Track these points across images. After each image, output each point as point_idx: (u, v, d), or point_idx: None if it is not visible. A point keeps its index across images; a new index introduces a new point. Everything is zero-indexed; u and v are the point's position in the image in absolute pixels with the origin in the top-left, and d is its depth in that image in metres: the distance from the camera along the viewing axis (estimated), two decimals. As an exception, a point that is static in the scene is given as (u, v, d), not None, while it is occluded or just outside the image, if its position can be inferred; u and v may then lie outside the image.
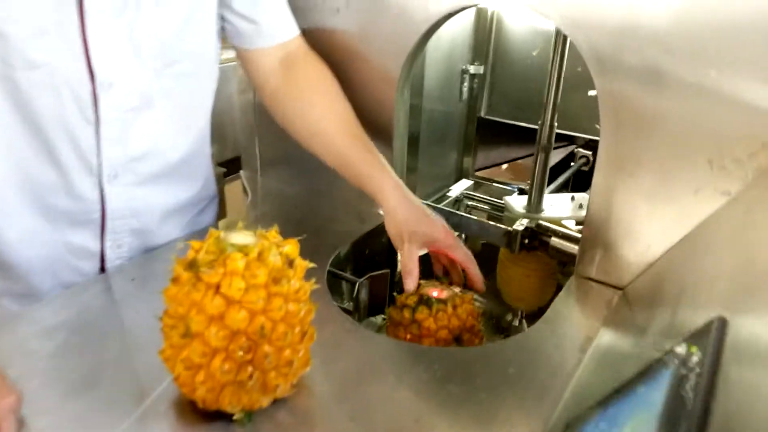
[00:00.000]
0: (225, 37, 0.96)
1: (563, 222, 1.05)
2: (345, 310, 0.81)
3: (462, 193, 1.44)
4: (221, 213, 1.20)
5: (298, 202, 1.16)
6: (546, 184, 1.11)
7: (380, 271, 0.95)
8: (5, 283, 0.88)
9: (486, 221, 1.08)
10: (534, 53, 1.55)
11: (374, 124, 1.01)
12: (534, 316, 1.21)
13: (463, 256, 0.91)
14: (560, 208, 1.18)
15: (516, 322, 1.24)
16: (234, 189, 1.50)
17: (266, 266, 0.56)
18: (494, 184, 1.70)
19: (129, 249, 0.93)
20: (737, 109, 0.67)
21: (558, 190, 1.30)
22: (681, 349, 0.43)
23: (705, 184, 0.71)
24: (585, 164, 1.56)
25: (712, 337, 0.40)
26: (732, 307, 0.44)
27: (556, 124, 1.05)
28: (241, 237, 0.58)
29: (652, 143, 0.74)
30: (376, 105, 1.01)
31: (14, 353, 0.68)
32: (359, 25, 0.97)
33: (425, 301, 0.84)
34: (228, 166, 1.60)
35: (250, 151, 1.26)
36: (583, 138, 1.55)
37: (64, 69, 0.76)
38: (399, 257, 0.91)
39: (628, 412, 0.43)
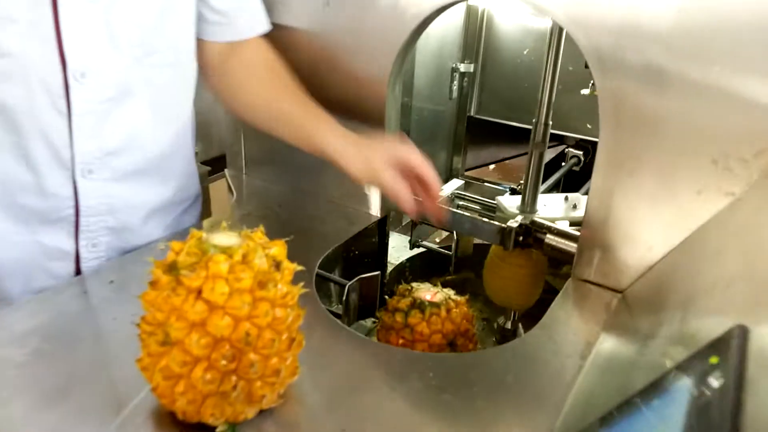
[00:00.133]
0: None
1: (557, 223, 1.03)
2: (334, 314, 0.77)
3: (453, 193, 1.42)
4: (205, 213, 1.17)
5: (285, 202, 1.12)
6: (540, 184, 1.08)
7: (370, 273, 0.91)
8: (-28, 288, 0.84)
9: (479, 218, 1.05)
10: (525, 52, 1.53)
11: (364, 122, 0.98)
12: (525, 317, 1.19)
13: (432, 172, 0.83)
14: (554, 208, 1.16)
15: (508, 325, 1.21)
16: (218, 188, 1.46)
17: (251, 269, 0.52)
18: (485, 183, 1.68)
19: (106, 249, 0.89)
20: (742, 108, 0.65)
21: (549, 190, 1.28)
22: (699, 361, 0.40)
23: (708, 184, 0.69)
24: (576, 164, 1.54)
25: (734, 347, 0.37)
26: (751, 315, 0.42)
27: (550, 122, 1.03)
28: (225, 238, 0.55)
29: (653, 143, 0.72)
30: (366, 102, 0.97)
31: (-18, 361, 0.64)
32: (349, 19, 0.93)
33: (418, 304, 0.81)
34: (212, 165, 1.56)
35: (235, 149, 1.22)
36: (574, 138, 1.54)
37: (35, 57, 0.72)
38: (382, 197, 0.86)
39: (642, 427, 0.40)
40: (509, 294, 1.09)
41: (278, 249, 0.56)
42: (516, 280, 1.04)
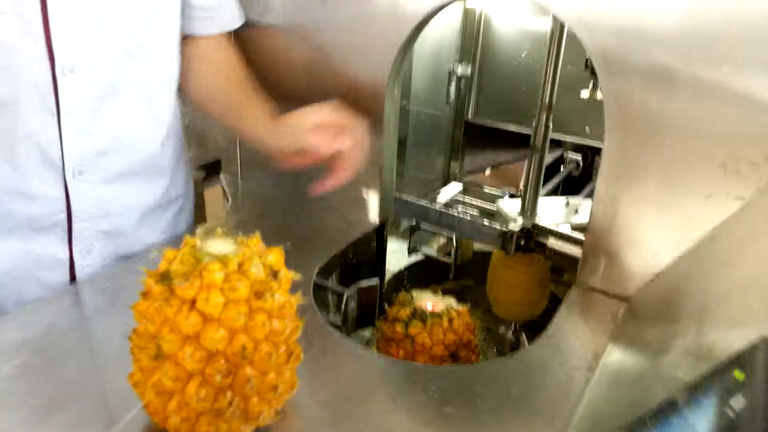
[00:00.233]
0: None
1: (559, 227, 1.01)
2: (331, 324, 0.75)
3: (451, 198, 1.40)
4: (200, 219, 1.14)
5: (281, 207, 1.10)
6: (540, 188, 1.06)
7: (369, 281, 0.89)
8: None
9: (480, 221, 1.03)
10: (523, 54, 1.52)
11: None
12: (528, 326, 1.17)
13: (350, 123, 0.82)
14: (555, 213, 1.14)
15: (510, 334, 1.19)
16: (213, 193, 1.43)
17: (248, 278, 0.50)
18: (484, 188, 1.66)
19: (101, 255, 0.86)
20: (751, 109, 0.64)
21: (548, 194, 1.27)
22: (720, 377, 0.38)
23: (717, 188, 0.67)
24: (575, 168, 1.53)
25: (760, 362, 0.35)
26: (774, 326, 0.40)
27: (551, 125, 1.01)
28: (220, 245, 0.53)
29: (660, 145, 0.70)
30: (364, 104, 0.95)
31: (-32, 375, 0.62)
32: (346, 18, 0.91)
33: (419, 314, 0.79)
34: (207, 170, 1.54)
35: (231, 154, 1.20)
36: (572, 141, 1.52)
37: (23, 51, 0.70)
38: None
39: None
40: (513, 303, 1.07)
41: (275, 257, 0.54)
42: (521, 291, 1.02)
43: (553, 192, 1.43)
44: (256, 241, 0.55)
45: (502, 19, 1.49)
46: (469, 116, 1.64)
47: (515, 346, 1.18)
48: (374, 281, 0.90)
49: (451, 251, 1.27)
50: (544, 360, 0.68)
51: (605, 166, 0.75)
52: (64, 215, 0.81)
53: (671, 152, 0.69)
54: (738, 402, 0.34)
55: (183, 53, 0.89)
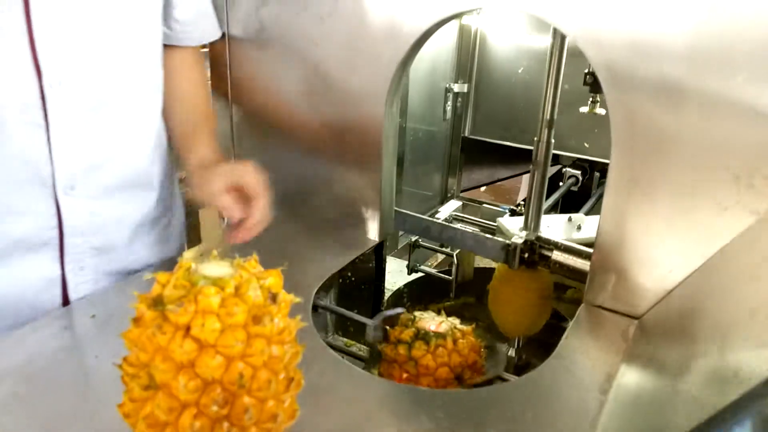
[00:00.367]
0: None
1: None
2: (331, 346, 0.72)
3: (451, 215, 1.38)
4: (195, 240, 1.11)
5: (278, 226, 1.07)
6: (543, 204, 1.04)
7: (395, 310, 0.85)
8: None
9: (483, 234, 1.01)
10: (519, 71, 1.51)
11: (360, 141, 0.94)
12: (529, 343, 1.14)
13: (260, 192, 0.79)
14: (557, 229, 1.12)
15: (512, 353, 1.16)
16: (209, 213, 1.41)
17: (245, 303, 0.48)
18: (483, 205, 1.65)
19: (94, 272, 0.84)
20: (766, 122, 0.62)
21: (547, 211, 1.25)
22: (754, 402, 0.35)
23: (730, 202, 0.65)
24: (574, 184, 1.51)
25: (800, 387, 0.33)
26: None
27: (553, 141, 0.99)
28: (216, 268, 0.50)
29: (670, 159, 0.68)
30: (363, 121, 0.93)
31: (-51, 406, 0.59)
32: (345, 35, 0.90)
33: (422, 335, 0.76)
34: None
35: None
36: (570, 157, 1.51)
37: (7, 64, 0.68)
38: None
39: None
40: (515, 319, 1.04)
41: (274, 279, 0.52)
42: (524, 306, 1.00)
43: (553, 208, 1.41)
44: (253, 263, 0.52)
45: (498, 36, 1.49)
46: (467, 132, 1.63)
47: (517, 363, 1.16)
48: (400, 310, 0.86)
49: (449, 269, 1.24)
50: (556, 382, 0.66)
51: (612, 180, 0.73)
52: (55, 232, 0.79)
53: (682, 166, 0.67)
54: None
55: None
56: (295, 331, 0.52)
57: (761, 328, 0.45)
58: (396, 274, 1.31)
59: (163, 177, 0.93)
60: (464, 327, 0.80)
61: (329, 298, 0.97)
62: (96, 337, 0.72)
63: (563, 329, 1.20)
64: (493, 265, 1.20)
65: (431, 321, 0.79)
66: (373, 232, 1.02)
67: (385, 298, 1.19)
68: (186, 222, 1.04)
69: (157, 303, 0.47)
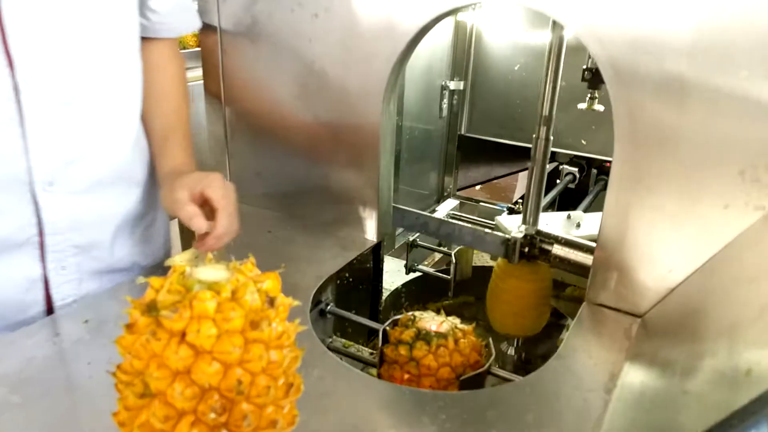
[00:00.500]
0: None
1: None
2: (328, 347, 0.71)
3: (448, 214, 1.37)
4: (188, 244, 1.10)
5: (275, 228, 1.06)
6: (541, 202, 1.03)
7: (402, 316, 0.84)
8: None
9: (482, 229, 1.00)
10: (516, 68, 1.50)
11: (357, 140, 0.93)
12: (528, 342, 1.13)
13: (224, 205, 0.76)
14: (556, 227, 1.11)
15: (511, 351, 1.16)
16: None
17: (242, 307, 0.46)
18: (481, 203, 1.64)
19: (76, 271, 0.83)
20: (771, 114, 0.61)
21: (544, 208, 1.24)
22: (770, 403, 0.34)
23: (735, 198, 0.64)
24: (571, 181, 1.51)
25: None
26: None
27: (551, 138, 0.98)
28: (211, 272, 0.49)
29: (674, 155, 0.67)
30: (359, 119, 0.92)
31: (-63, 416, 0.58)
32: (340, 32, 0.88)
33: (423, 336, 0.75)
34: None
35: (221, 171, 1.16)
36: (567, 154, 1.50)
37: None
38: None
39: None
40: (517, 319, 1.03)
41: (272, 282, 0.50)
42: (524, 303, 0.99)
43: (550, 206, 1.40)
44: (250, 266, 0.51)
45: (494, 33, 1.48)
46: (463, 130, 1.62)
47: (517, 362, 1.15)
48: (410, 315, 0.85)
49: (446, 268, 1.23)
50: (558, 382, 0.65)
51: (615, 177, 0.72)
52: (35, 230, 0.77)
53: (686, 161, 0.66)
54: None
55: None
56: (294, 335, 0.50)
57: (771, 326, 0.44)
58: (394, 274, 1.30)
59: (145, 173, 0.91)
60: (465, 326, 0.79)
61: (326, 298, 0.96)
62: (89, 342, 0.71)
63: (562, 327, 1.20)
64: (492, 263, 1.19)
65: (432, 321, 0.78)
66: (370, 232, 1.01)
67: (383, 298, 1.18)
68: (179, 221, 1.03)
69: (151, 309, 0.46)
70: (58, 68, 0.72)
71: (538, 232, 0.96)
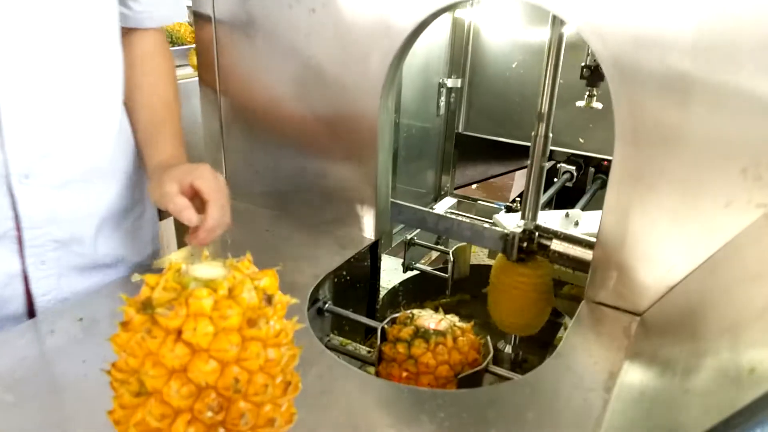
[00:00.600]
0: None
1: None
2: (328, 347, 0.71)
3: (446, 212, 1.36)
4: (183, 242, 1.09)
5: (272, 226, 1.05)
6: (540, 200, 1.03)
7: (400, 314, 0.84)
8: None
9: (480, 225, 0.99)
10: (513, 65, 1.50)
11: (355, 136, 0.92)
12: (526, 340, 1.13)
13: (215, 197, 0.76)
14: (554, 225, 1.10)
15: (509, 349, 1.15)
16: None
17: (239, 305, 0.46)
18: (478, 202, 1.63)
19: (56, 266, 0.81)
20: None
21: (542, 207, 1.24)
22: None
23: (737, 196, 0.64)
24: (569, 180, 1.50)
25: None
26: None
27: (550, 135, 0.98)
28: (208, 269, 0.48)
29: (675, 152, 0.67)
30: (357, 114, 0.91)
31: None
32: (337, 27, 0.87)
33: (421, 333, 0.74)
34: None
35: (216, 169, 1.15)
36: (564, 152, 1.50)
37: None
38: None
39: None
40: (516, 316, 1.03)
41: (269, 280, 0.50)
42: (524, 299, 0.98)
43: (548, 204, 1.40)
44: (247, 263, 0.50)
45: (492, 30, 1.47)
46: (460, 128, 1.61)
47: (515, 361, 1.14)
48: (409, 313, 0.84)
49: (443, 266, 1.23)
50: (558, 381, 0.64)
51: (615, 175, 0.71)
52: (12, 224, 0.76)
53: (687, 159, 0.66)
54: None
55: (124, 53, 0.86)
56: (292, 333, 0.50)
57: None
58: (391, 272, 1.29)
59: (129, 166, 0.89)
60: (463, 324, 0.79)
61: (324, 296, 0.95)
62: (83, 341, 0.70)
63: (559, 325, 1.19)
64: (490, 262, 1.18)
65: (430, 319, 0.77)
66: (368, 229, 1.00)
67: (381, 296, 1.17)
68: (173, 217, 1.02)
69: (146, 306, 0.45)
70: (33, 59, 0.71)
71: (537, 227, 0.95)
